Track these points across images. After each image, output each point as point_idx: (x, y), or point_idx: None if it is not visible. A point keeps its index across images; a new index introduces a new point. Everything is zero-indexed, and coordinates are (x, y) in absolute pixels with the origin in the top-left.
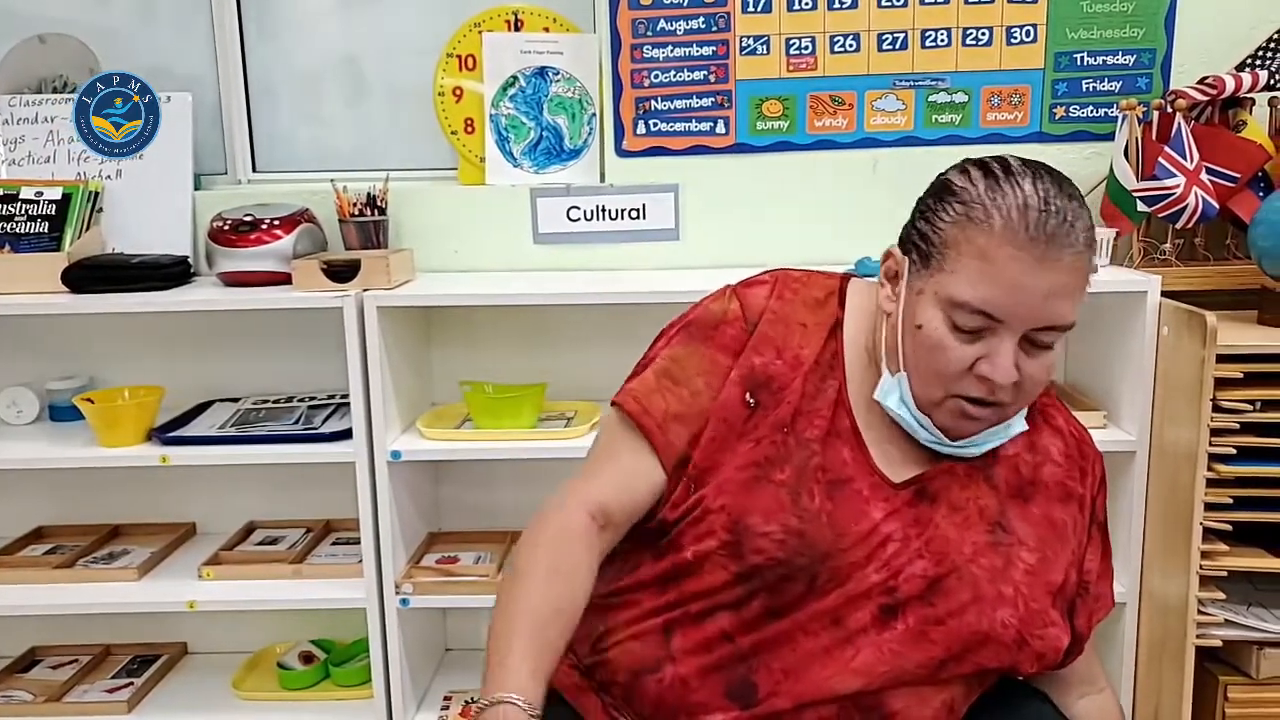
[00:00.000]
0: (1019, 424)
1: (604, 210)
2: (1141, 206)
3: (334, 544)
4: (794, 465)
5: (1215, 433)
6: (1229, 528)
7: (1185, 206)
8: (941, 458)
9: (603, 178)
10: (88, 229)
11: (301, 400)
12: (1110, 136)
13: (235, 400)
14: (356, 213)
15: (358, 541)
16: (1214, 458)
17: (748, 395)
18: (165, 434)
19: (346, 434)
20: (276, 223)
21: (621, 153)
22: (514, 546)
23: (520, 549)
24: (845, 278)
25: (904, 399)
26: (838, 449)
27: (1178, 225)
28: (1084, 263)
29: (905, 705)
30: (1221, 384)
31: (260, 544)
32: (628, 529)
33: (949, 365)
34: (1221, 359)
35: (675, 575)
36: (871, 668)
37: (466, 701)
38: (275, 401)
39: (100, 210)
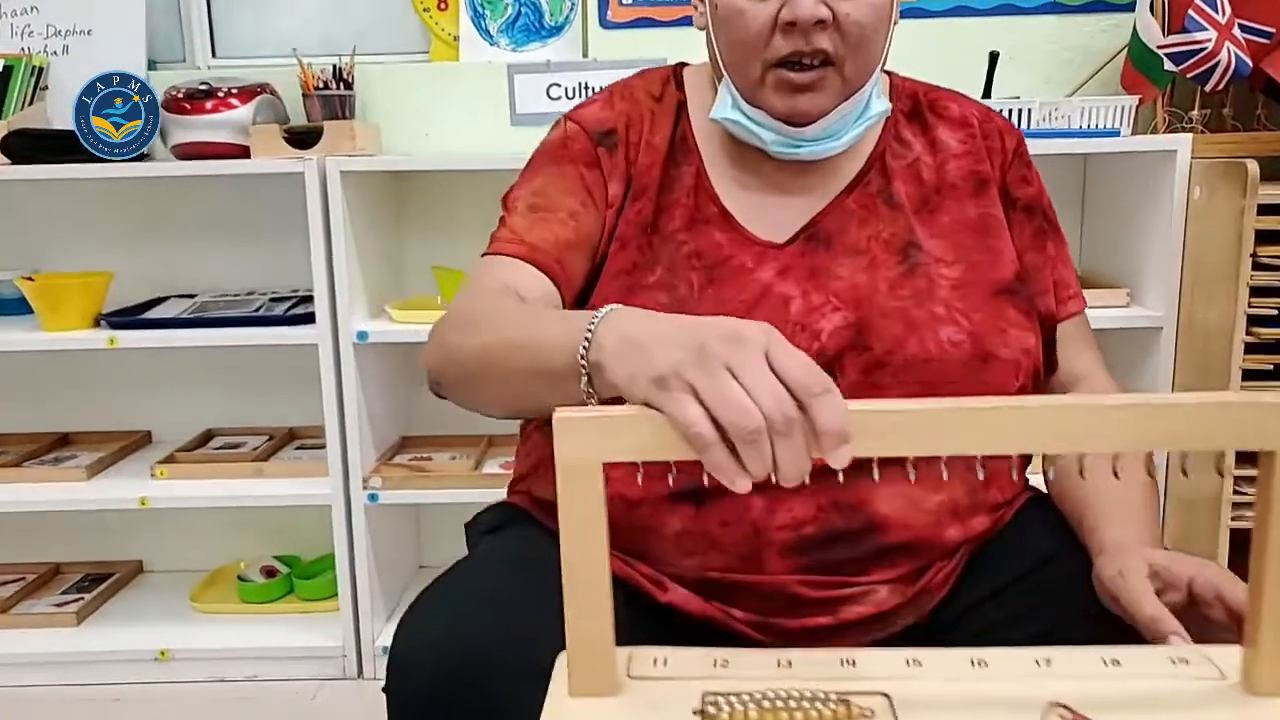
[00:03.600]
0: (878, 103)
1: (587, 87)
2: (1169, 65)
3: (298, 448)
4: (664, 264)
5: (1255, 292)
6: None
7: (1216, 63)
8: (829, 204)
9: (585, 53)
10: (30, 104)
11: (262, 294)
12: (1128, 8)
13: (191, 297)
14: (321, 86)
15: (323, 447)
16: (1253, 320)
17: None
18: (114, 318)
19: (309, 317)
20: (234, 91)
21: (606, 25)
22: (446, 324)
23: (455, 318)
24: (678, 65)
25: (735, 101)
26: (708, 234)
27: (1207, 87)
28: None
29: (894, 509)
30: (1262, 239)
31: (220, 449)
32: None
33: (751, 27)
34: (1263, 210)
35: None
36: None
37: None
38: (235, 295)
39: (45, 88)
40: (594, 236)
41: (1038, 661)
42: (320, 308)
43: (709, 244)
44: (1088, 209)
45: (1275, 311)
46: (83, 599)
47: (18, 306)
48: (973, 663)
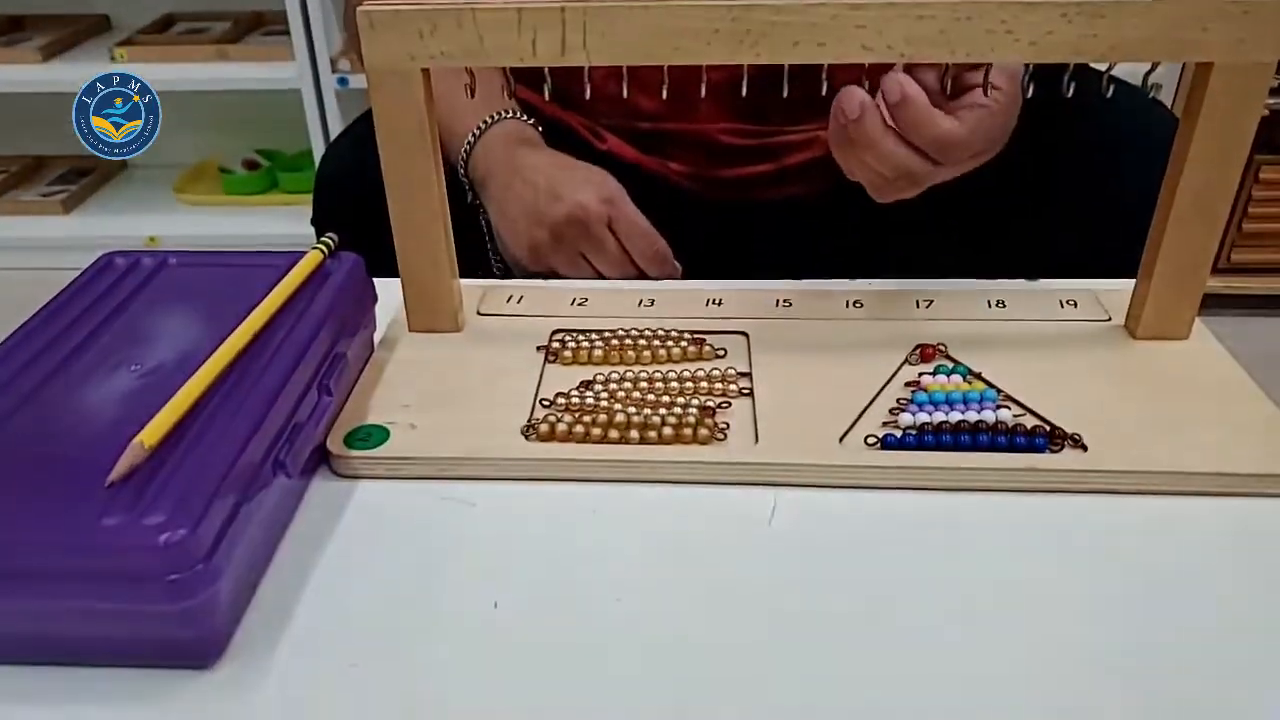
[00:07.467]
0: None
1: None
2: None
3: (264, 34)
4: None
5: None
6: None
7: None
8: None
9: None
10: None
11: None
12: None
13: None
14: None
15: (289, 33)
16: None
17: None
18: None
19: None
20: None
21: None
22: None
23: None
24: None
25: None
26: None
27: None
28: None
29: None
30: None
31: (182, 34)
32: None
33: None
34: None
35: None
36: None
37: None
38: None
39: None
40: None
41: (918, 302)
42: None
43: None
44: None
45: None
46: (69, 190)
47: None
48: (848, 303)
